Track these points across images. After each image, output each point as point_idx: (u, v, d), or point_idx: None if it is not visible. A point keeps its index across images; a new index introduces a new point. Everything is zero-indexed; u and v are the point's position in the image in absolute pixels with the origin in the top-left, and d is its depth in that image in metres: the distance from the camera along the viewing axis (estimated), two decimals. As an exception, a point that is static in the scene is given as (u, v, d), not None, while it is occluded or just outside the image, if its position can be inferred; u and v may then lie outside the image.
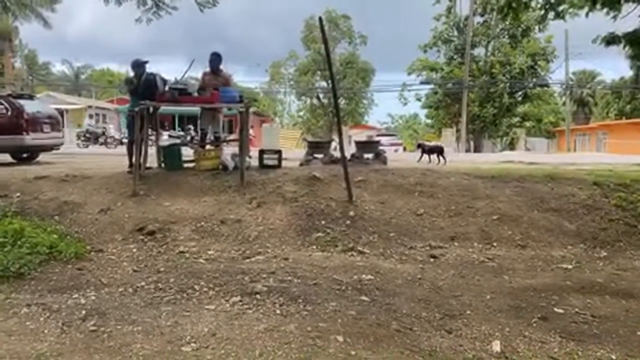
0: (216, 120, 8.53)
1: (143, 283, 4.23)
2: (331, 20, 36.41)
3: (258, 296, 3.87)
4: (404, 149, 27.61)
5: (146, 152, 7.36)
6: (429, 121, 42.88)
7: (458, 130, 32.30)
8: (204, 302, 3.81)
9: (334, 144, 9.06)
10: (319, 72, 38.77)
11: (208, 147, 8.54)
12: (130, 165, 7.50)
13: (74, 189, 6.71)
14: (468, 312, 3.78)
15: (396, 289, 4.20)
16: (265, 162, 7.94)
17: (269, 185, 6.84)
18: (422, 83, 34.29)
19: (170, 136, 18.63)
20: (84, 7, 79.09)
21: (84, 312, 3.57)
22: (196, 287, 4.11)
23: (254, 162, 8.03)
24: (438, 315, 3.68)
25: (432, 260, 5.21)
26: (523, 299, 4.09)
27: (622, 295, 4.27)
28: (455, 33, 33.35)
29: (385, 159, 8.95)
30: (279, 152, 8.09)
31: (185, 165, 7.90)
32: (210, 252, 5.23)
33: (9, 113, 9.34)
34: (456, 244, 5.72)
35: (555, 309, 3.90)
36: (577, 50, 41.76)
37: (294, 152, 12.93)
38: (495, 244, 5.77)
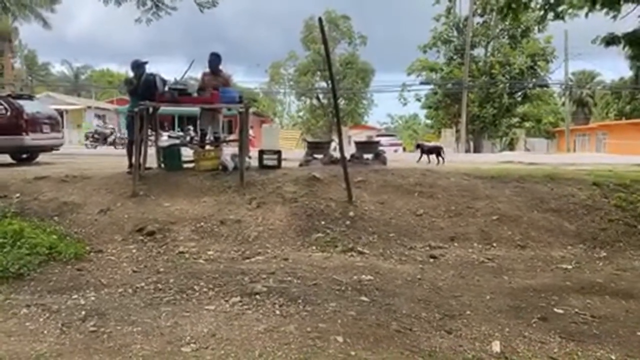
0: (216, 120, 8.53)
1: (143, 283, 4.23)
2: (331, 21, 36.41)
3: (258, 297, 3.87)
4: (404, 149, 27.59)
5: (146, 152, 7.36)
6: (428, 121, 42.93)
7: (458, 131, 32.32)
8: (204, 302, 3.81)
9: (333, 145, 9.06)
10: (318, 73, 38.78)
11: (208, 147, 8.54)
12: (130, 165, 7.50)
13: (73, 189, 6.71)
14: (468, 312, 3.78)
15: (396, 290, 4.20)
16: (265, 162, 7.94)
17: (268, 186, 6.84)
18: (421, 83, 34.35)
19: (169, 136, 18.60)
20: (83, 7, 79.36)
21: (83, 312, 3.57)
22: (196, 287, 4.11)
23: (254, 163, 8.03)
24: (438, 315, 3.68)
25: (431, 260, 5.21)
26: (523, 299, 4.09)
27: (621, 295, 4.27)
28: (455, 33, 33.38)
29: (385, 159, 8.95)
30: (278, 152, 8.09)
31: (185, 165, 7.90)
32: (210, 253, 5.22)
33: (9, 113, 9.33)
34: (456, 244, 5.73)
35: (555, 309, 3.90)
36: (577, 50, 42.10)
37: (293, 153, 12.93)
38: (495, 244, 5.77)
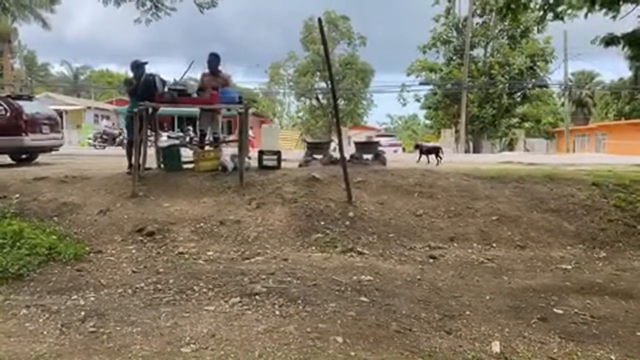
0: (215, 121, 8.52)
1: (142, 284, 4.23)
2: (330, 21, 36.46)
3: (257, 297, 3.87)
4: (403, 149, 27.61)
5: (145, 153, 7.36)
6: (428, 122, 42.93)
7: (457, 131, 32.34)
8: (204, 303, 3.81)
9: (333, 145, 9.06)
10: (318, 73, 38.84)
11: (207, 148, 8.53)
12: (130, 166, 7.50)
13: (73, 190, 6.71)
14: (467, 312, 3.78)
15: (395, 290, 4.20)
16: (265, 163, 7.94)
17: (268, 186, 6.84)
18: (421, 84, 34.38)
19: (169, 137, 18.60)
20: (83, 8, 79.26)
21: (83, 313, 3.57)
22: (195, 288, 4.11)
23: (253, 163, 8.03)
24: (437, 315, 3.68)
25: (431, 260, 5.21)
26: (522, 300, 4.09)
27: (621, 295, 4.27)
28: (454, 34, 33.41)
29: (385, 159, 8.95)
30: (278, 153, 8.08)
31: (185, 166, 7.90)
32: (209, 253, 5.22)
33: (8, 114, 9.33)
34: (455, 244, 5.73)
35: (555, 310, 3.90)
36: (576, 51, 42.28)
37: (293, 153, 12.93)
38: (494, 244, 5.77)
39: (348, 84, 38.86)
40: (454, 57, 33.00)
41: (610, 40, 8.59)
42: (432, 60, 34.02)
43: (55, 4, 26.47)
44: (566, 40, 31.99)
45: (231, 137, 16.21)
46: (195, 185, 6.87)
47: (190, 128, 21.09)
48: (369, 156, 8.94)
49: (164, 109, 8.45)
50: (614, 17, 8.33)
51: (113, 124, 29.15)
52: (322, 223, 5.97)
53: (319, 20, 6.73)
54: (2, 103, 9.42)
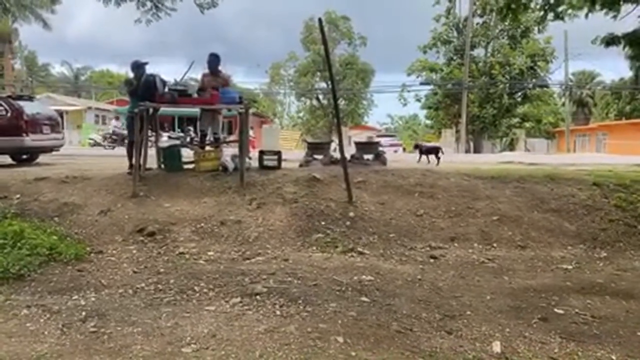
0: (216, 121, 8.53)
1: (143, 284, 4.24)
2: (331, 22, 36.46)
3: (258, 297, 3.87)
4: (404, 149, 27.61)
5: (146, 153, 7.36)
6: (428, 122, 42.93)
7: (458, 131, 32.33)
8: (204, 303, 3.81)
9: (333, 145, 9.06)
10: (318, 73, 38.84)
11: (208, 148, 8.54)
12: (130, 166, 7.50)
13: (74, 190, 6.71)
14: (468, 312, 3.78)
15: (396, 290, 4.20)
16: (265, 163, 7.94)
17: (268, 187, 6.84)
18: (421, 84, 34.35)
19: (169, 137, 18.62)
20: (83, 8, 79.30)
21: (84, 313, 3.57)
22: (196, 288, 4.11)
23: (254, 163, 8.03)
24: (438, 315, 3.69)
25: (432, 261, 5.22)
26: (523, 300, 4.09)
27: (622, 295, 4.27)
28: (455, 34, 33.39)
29: (385, 159, 8.95)
30: (278, 153, 8.08)
31: (185, 166, 7.90)
32: (210, 253, 5.23)
33: (9, 114, 9.34)
34: (456, 244, 5.73)
35: (556, 310, 3.90)
36: (577, 51, 42.06)
37: (293, 153, 12.93)
38: (495, 244, 5.77)
39: (348, 84, 38.86)
40: (455, 57, 32.97)
41: (610, 40, 8.59)
42: (433, 60, 34.03)
43: (56, 4, 26.48)
44: (567, 40, 32.03)
45: (232, 138, 16.21)
46: (196, 185, 6.87)
47: (191, 128, 21.09)
48: (370, 156, 8.94)
49: (164, 109, 8.46)
50: (615, 17, 8.33)
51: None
52: (323, 223, 5.97)
53: (320, 20, 6.74)
54: (3, 103, 9.44)
